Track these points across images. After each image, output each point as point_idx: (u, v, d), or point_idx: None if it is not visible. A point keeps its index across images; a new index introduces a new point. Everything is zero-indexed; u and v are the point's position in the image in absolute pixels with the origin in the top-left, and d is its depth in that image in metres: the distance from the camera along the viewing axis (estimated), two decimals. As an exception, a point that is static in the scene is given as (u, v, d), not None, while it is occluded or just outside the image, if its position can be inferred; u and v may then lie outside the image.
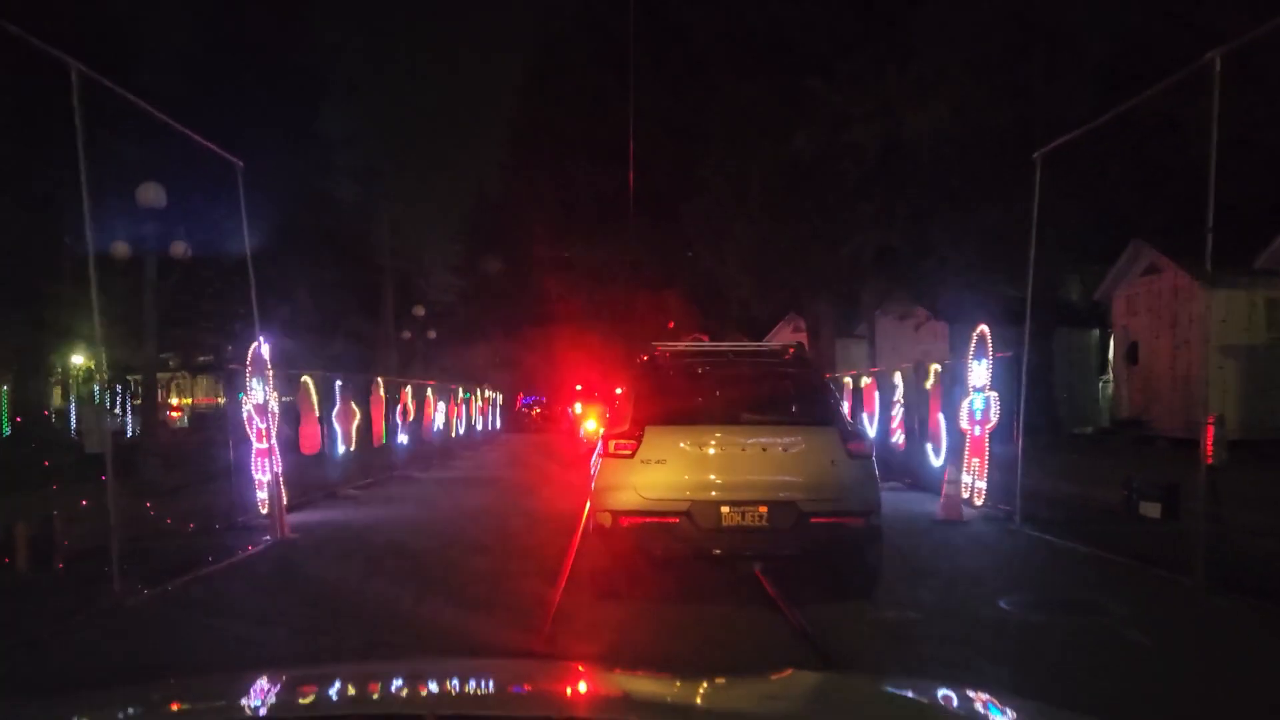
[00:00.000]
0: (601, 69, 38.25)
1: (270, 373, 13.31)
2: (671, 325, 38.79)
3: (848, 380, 20.83)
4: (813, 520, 7.45)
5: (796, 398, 8.38)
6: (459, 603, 7.83)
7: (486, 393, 33.93)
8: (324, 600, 8.35)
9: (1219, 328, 20.61)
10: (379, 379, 18.82)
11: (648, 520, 7.54)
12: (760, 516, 7.46)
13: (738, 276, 31.14)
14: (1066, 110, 25.00)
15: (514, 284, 48.20)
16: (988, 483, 12.91)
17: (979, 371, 13.23)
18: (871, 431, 18.30)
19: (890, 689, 3.06)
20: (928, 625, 7.26)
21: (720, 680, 2.96)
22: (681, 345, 9.53)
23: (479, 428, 30.96)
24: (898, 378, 16.94)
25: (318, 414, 15.64)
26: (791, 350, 8.91)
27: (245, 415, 12.79)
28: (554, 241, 43.20)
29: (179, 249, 15.63)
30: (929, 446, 15.21)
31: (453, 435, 26.48)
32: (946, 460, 14.65)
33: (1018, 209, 25.98)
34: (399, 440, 20.02)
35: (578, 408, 32.31)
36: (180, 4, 31.80)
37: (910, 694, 2.91)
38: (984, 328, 13.39)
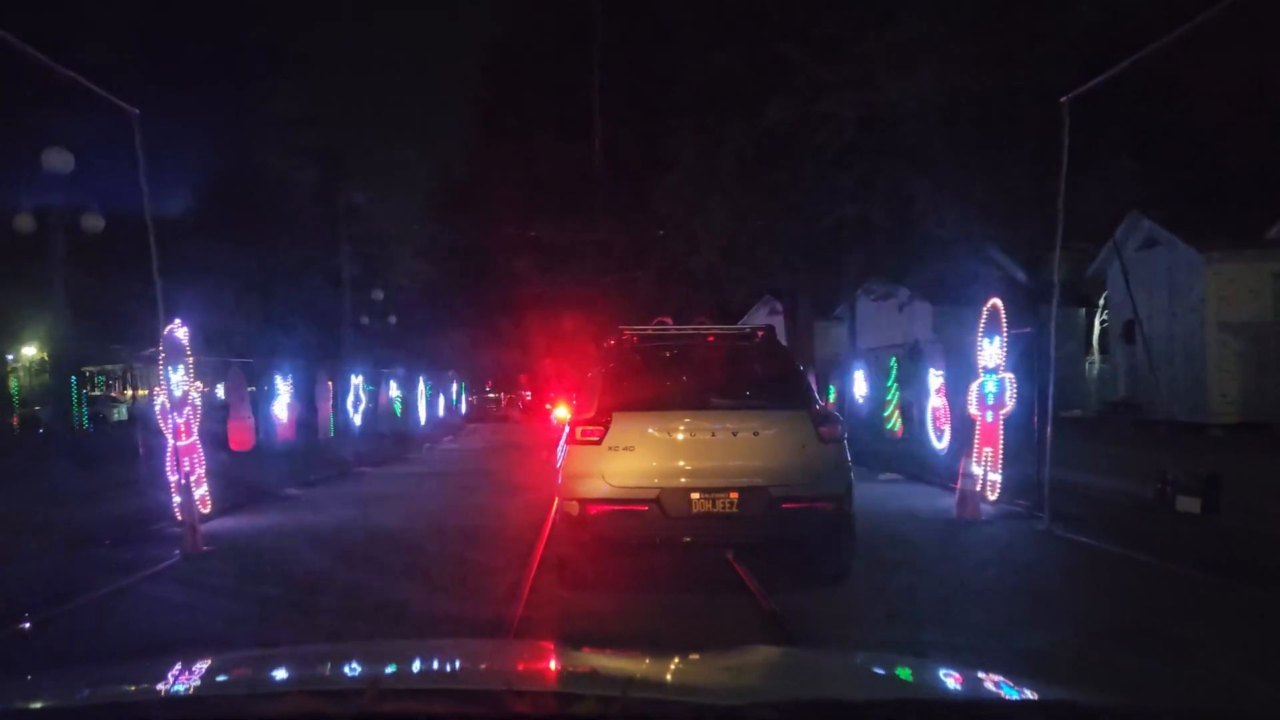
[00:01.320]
0: (566, 42, 36.37)
1: (190, 360, 11.49)
2: (638, 308, 37.12)
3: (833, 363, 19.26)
4: (784, 505, 7.24)
5: (767, 381, 8.15)
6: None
7: (451, 380, 32.08)
8: (217, 646, 6.57)
9: (1221, 303, 19.20)
10: (323, 369, 16.97)
11: (616, 508, 7.30)
12: (731, 503, 7.24)
13: (711, 256, 29.46)
14: (1052, 77, 23.62)
15: (480, 269, 46.23)
16: (1002, 475, 11.33)
17: (991, 351, 11.64)
18: (863, 415, 16.74)
19: (860, 662, 3.09)
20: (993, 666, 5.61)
21: (693, 656, 3.01)
22: (649, 329, 8.97)
23: (442, 416, 29.14)
24: (892, 360, 15.33)
25: (250, 406, 13.80)
26: (761, 333, 8.59)
27: (158, 408, 10.97)
28: (520, 222, 41.32)
29: (90, 221, 13.69)
30: (930, 434, 13.62)
31: (413, 425, 24.65)
32: (951, 447, 13.09)
33: (1003, 178, 24.71)
34: (351, 432, 18.18)
35: (558, 408, 30.61)
36: None
37: (879, 669, 2.92)
38: (996, 301, 11.83)
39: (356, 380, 18.40)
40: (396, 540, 10.63)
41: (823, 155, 25.87)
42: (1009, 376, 11.38)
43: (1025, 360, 13.24)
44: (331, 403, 17.24)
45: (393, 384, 21.81)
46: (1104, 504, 11.44)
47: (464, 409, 34.02)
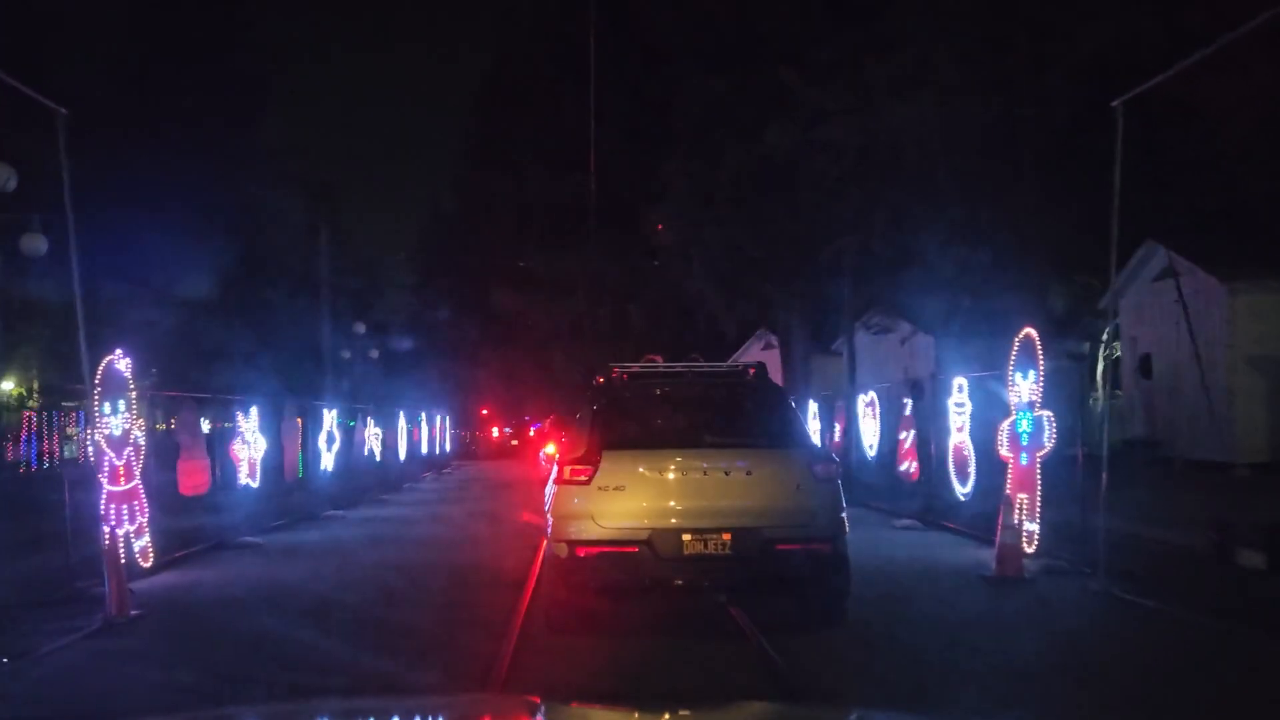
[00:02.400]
0: (558, 74, 35.42)
1: (133, 394, 10.13)
2: (629, 343, 35.87)
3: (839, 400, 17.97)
4: (778, 547, 7.00)
5: (759, 419, 7.93)
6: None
7: (436, 417, 30.68)
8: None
9: (1245, 336, 18.00)
10: (292, 404, 15.58)
11: (606, 550, 7.02)
12: (723, 544, 7.01)
13: (705, 288, 28.27)
14: (1055, 104, 22.60)
15: (468, 303, 44.98)
16: (1040, 524, 10.00)
17: (1025, 386, 10.36)
18: (872, 456, 15.43)
19: (855, 718, 3.14)
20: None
21: (683, 712, 2.97)
22: (638, 366, 8.66)
23: (425, 455, 27.70)
24: (906, 397, 14.04)
25: (206, 445, 12.43)
26: (753, 370, 8.32)
27: (93, 449, 9.61)
28: (511, 256, 40.22)
29: (30, 243, 12.35)
30: (952, 477, 12.30)
31: (393, 464, 23.22)
32: (976, 492, 11.78)
33: (1008, 210, 23.58)
34: (321, 472, 16.75)
35: (547, 445, 29.23)
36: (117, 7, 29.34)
37: None
38: (1031, 331, 10.56)
39: (330, 416, 16.97)
40: (360, 599, 9.25)
41: (821, 183, 24.76)
42: (1047, 414, 10.09)
43: (980, 408, 12.02)
44: (302, 440, 15.81)
45: (370, 421, 20.39)
46: (1155, 557, 10.10)
47: (449, 446, 32.54)
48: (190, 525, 12.18)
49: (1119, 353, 22.17)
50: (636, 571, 6.98)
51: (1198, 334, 18.49)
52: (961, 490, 12.00)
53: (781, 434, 7.69)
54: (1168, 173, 19.70)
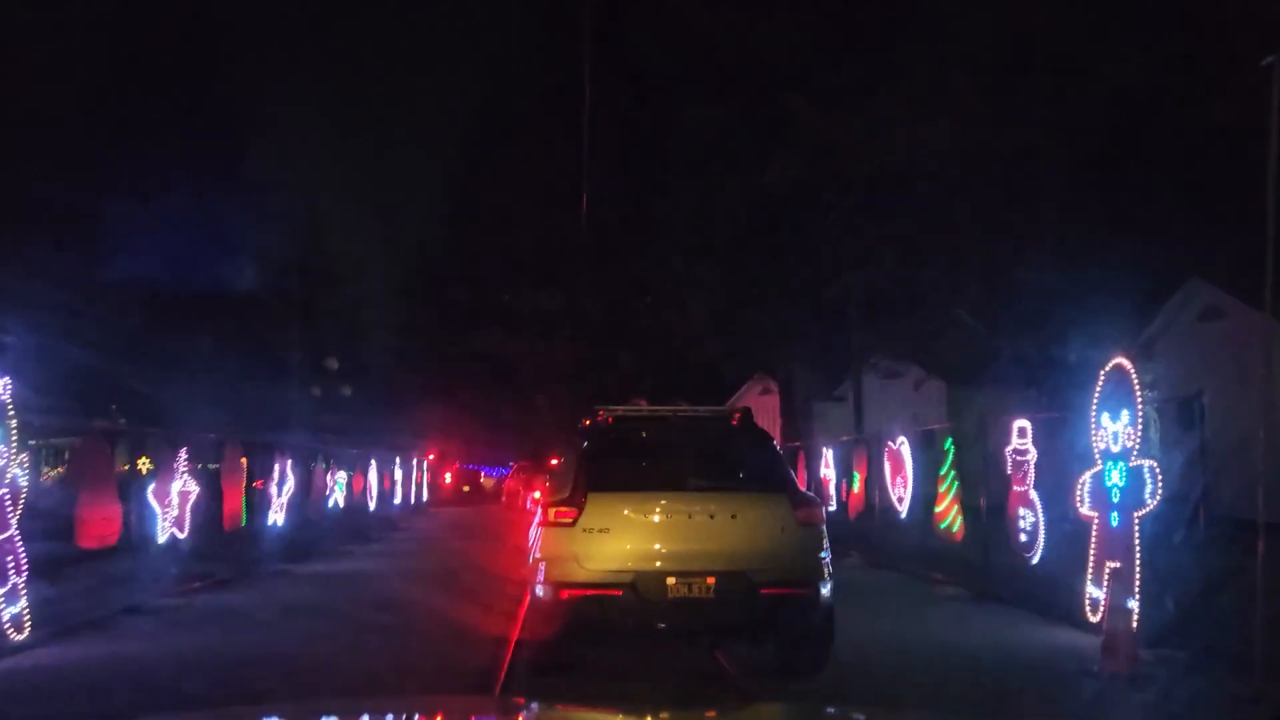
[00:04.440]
0: (549, 108, 33.65)
1: (13, 424, 7.92)
2: (618, 386, 33.75)
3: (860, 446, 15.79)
4: (763, 591, 6.91)
5: (744, 463, 7.87)
6: None
7: (413, 459, 28.31)
8: None
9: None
10: (235, 440, 13.27)
11: (590, 593, 6.91)
12: (708, 588, 6.92)
13: (701, 329, 26.22)
14: (1076, 134, 20.85)
15: (452, 342, 42.82)
16: (1142, 601, 7.82)
17: (1117, 429, 8.25)
18: (903, 512, 13.24)
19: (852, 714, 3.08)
20: None
21: (664, 714, 3.05)
22: (623, 409, 8.55)
23: (397, 501, 25.30)
24: (948, 441, 11.88)
25: (118, 488, 10.15)
26: (738, 414, 8.24)
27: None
28: (497, 296, 38.21)
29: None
30: (1012, 538, 10.11)
31: (360, 512, 20.84)
32: (1046, 557, 9.59)
33: (1029, 246, 21.64)
34: (269, 522, 14.40)
35: (532, 491, 27.02)
36: (102, 46, 27.85)
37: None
38: (1123, 361, 8.46)
39: (284, 459, 14.68)
40: (279, 677, 7.04)
41: (827, 217, 22.91)
42: (1149, 464, 7.96)
43: (1060, 450, 10.02)
44: (245, 483, 13.50)
45: (333, 463, 18.07)
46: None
47: (425, 492, 30.15)
48: (90, 586, 9.86)
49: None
50: (620, 614, 6.90)
51: (1247, 378, 16.45)
52: (1025, 555, 9.78)
53: (766, 478, 7.54)
54: (1210, 204, 17.88)
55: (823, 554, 7.19)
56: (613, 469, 7.45)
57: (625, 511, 7.04)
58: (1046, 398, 20.06)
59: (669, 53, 25.47)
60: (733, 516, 7.06)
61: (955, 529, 11.45)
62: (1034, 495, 9.70)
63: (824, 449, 17.85)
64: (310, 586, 12.68)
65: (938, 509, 11.87)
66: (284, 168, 30.78)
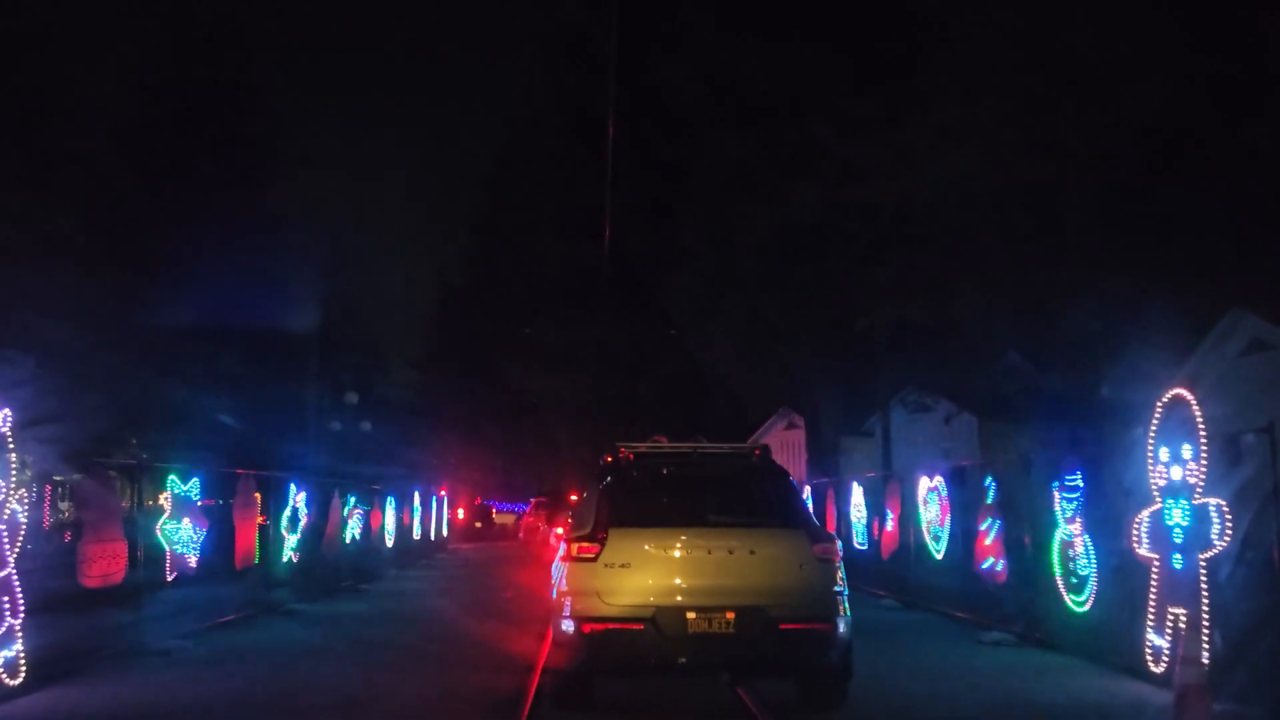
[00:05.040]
0: (571, 142, 33.46)
1: (11, 456, 7.56)
2: (641, 422, 33.21)
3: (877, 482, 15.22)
4: (782, 626, 6.97)
5: (763, 499, 7.82)
6: None
7: (433, 495, 27.85)
8: None
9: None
10: (249, 473, 12.85)
11: (612, 627, 7.00)
12: (727, 623, 6.97)
13: (725, 362, 25.75)
14: (1110, 160, 20.32)
15: (474, 377, 42.48)
16: (1213, 652, 7.23)
17: (1180, 467, 7.72)
18: (939, 552, 12.64)
19: None
20: None
21: None
22: (644, 446, 8.59)
23: (419, 537, 24.82)
24: (988, 478, 11.30)
25: (122, 525, 9.76)
26: (758, 451, 8.40)
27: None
28: (519, 330, 37.87)
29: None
30: (1059, 581, 9.51)
31: (379, 548, 20.37)
32: (1099, 601, 8.98)
33: (1063, 277, 21.04)
34: (283, 560, 13.95)
35: (555, 528, 26.54)
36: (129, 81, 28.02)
37: None
38: (1183, 391, 7.95)
39: (299, 494, 14.26)
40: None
41: (854, 248, 22.42)
42: (1215, 502, 7.41)
43: (1108, 486, 9.45)
44: (258, 519, 13.08)
45: (352, 499, 17.64)
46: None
47: (446, 528, 29.67)
48: (93, 626, 9.43)
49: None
50: (642, 649, 6.96)
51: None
52: (1075, 600, 9.18)
53: (784, 514, 7.60)
54: (1254, 233, 17.25)
55: (841, 590, 7.21)
56: (634, 505, 7.52)
57: (646, 547, 7.12)
58: (1082, 432, 19.42)
59: (692, 83, 25.25)
60: (751, 552, 7.12)
61: (998, 569, 10.84)
62: (1085, 535, 9.12)
63: (854, 485, 17.25)
64: (323, 627, 12.20)
65: (978, 548, 11.26)
66: (307, 204, 30.67)
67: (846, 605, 7.23)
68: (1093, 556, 9.02)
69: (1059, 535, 9.51)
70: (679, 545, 7.14)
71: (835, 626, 7.07)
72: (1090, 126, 19.86)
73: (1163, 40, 19.00)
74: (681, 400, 31.63)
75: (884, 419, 23.13)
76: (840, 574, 7.29)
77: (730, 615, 6.94)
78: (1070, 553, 9.38)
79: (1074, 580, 9.29)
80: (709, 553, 7.10)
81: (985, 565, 11.09)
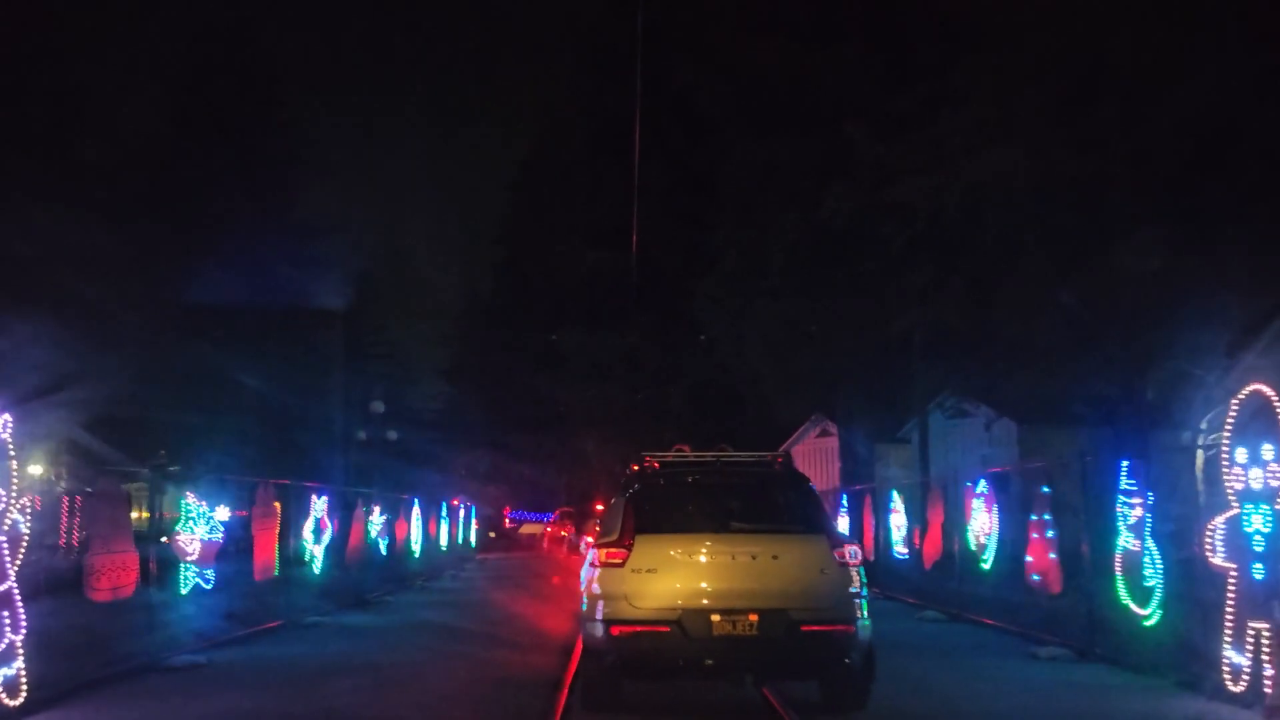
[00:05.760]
0: (598, 149, 33.08)
1: (14, 463, 7.17)
2: (668, 430, 32.61)
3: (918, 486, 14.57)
4: (804, 629, 7.16)
5: (786, 506, 8.01)
6: None
7: (460, 505, 27.45)
8: None
9: None
10: (268, 482, 12.44)
11: (639, 629, 7.25)
12: (751, 625, 7.17)
13: (756, 368, 25.16)
14: (1153, 156, 19.57)
15: (503, 389, 42.09)
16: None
17: (1260, 469, 7.11)
18: (988, 561, 12.00)
19: None
20: None
21: None
22: (670, 454, 8.90)
23: (446, 547, 24.41)
24: (1045, 487, 10.66)
25: (133, 536, 9.35)
26: (780, 459, 8.54)
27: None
28: (547, 338, 37.47)
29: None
30: (1122, 592, 8.87)
31: (405, 558, 19.96)
32: (1166, 614, 8.34)
33: (1105, 276, 20.30)
34: (304, 571, 13.53)
35: (583, 536, 26.07)
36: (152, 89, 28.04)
37: None
38: (1262, 387, 7.34)
39: (321, 504, 13.85)
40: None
41: (888, 250, 21.79)
42: (1301, 506, 6.78)
43: (1167, 499, 8.82)
44: (279, 529, 12.66)
45: (377, 509, 17.23)
46: None
47: (473, 538, 29.24)
48: (103, 641, 9.02)
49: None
50: (669, 651, 7.16)
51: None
52: (1141, 612, 8.54)
53: (806, 520, 7.76)
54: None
55: (860, 593, 7.36)
56: (659, 512, 7.72)
57: (672, 552, 7.35)
58: (1128, 436, 18.69)
59: (720, 85, 24.75)
60: (774, 557, 7.32)
61: (1052, 580, 10.19)
62: (1151, 543, 8.48)
63: (894, 493, 16.61)
64: (347, 640, 11.74)
65: (1029, 558, 10.62)
66: (333, 211, 30.47)
67: (866, 608, 7.38)
68: (1159, 566, 8.38)
69: (1120, 543, 8.87)
70: (703, 550, 7.35)
71: (855, 628, 7.23)
72: (1131, 121, 19.18)
73: (1209, 33, 18.30)
74: (712, 408, 31.06)
75: (922, 424, 22.47)
76: (860, 578, 7.43)
77: (754, 617, 7.11)
78: (1133, 562, 8.74)
79: (1138, 592, 8.65)
80: (733, 558, 7.29)
81: (1037, 576, 10.45)
